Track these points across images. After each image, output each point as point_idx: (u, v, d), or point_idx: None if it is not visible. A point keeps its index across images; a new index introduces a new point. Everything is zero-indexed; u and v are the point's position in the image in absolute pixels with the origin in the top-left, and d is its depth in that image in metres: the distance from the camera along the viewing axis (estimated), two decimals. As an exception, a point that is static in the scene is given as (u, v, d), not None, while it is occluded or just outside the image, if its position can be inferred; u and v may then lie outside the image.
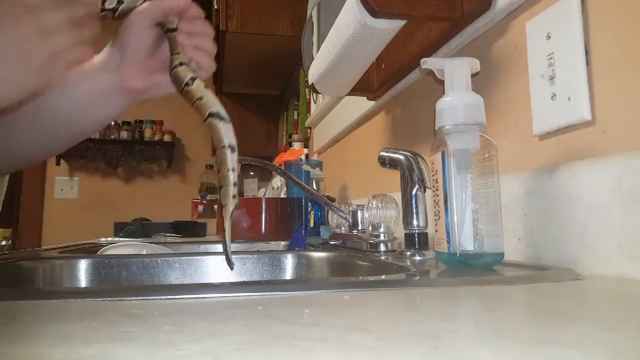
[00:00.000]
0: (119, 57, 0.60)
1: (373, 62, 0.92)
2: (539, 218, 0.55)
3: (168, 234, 1.90)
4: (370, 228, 0.80)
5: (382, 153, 0.73)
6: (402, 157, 0.71)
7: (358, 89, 1.04)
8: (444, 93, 0.54)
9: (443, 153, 0.52)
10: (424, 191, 0.69)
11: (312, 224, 1.25)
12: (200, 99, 0.52)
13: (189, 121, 3.28)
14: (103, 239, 1.51)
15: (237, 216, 0.42)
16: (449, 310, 0.34)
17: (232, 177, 0.49)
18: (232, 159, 0.50)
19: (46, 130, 0.63)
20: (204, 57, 0.59)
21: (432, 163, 0.55)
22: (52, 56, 0.45)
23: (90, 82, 0.61)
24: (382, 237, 0.78)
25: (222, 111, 0.51)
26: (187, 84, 0.53)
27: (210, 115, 0.50)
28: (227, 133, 0.50)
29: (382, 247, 0.77)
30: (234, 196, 0.50)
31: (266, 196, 1.76)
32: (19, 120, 0.60)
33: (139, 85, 0.61)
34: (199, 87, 0.53)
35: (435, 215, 0.54)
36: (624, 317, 0.31)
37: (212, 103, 0.51)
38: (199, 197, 2.97)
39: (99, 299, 0.37)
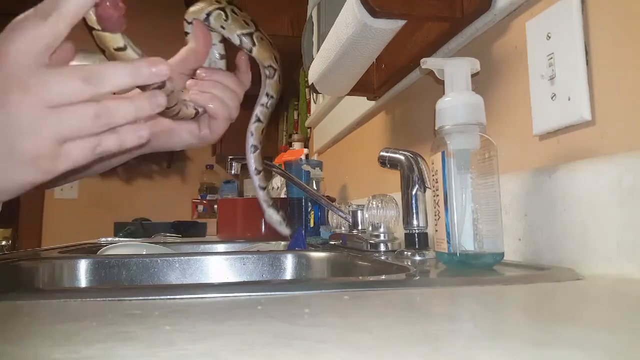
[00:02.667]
0: None
1: (373, 62, 0.92)
2: (539, 218, 0.55)
3: (168, 234, 1.90)
4: (370, 228, 0.80)
5: (382, 153, 0.73)
6: (402, 157, 0.70)
7: (358, 89, 1.04)
8: (444, 93, 0.54)
9: (443, 153, 0.52)
10: (424, 191, 0.69)
11: (312, 224, 1.25)
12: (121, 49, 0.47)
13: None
14: (103, 239, 1.51)
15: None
16: (449, 310, 0.34)
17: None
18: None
19: None
20: (218, 105, 0.57)
21: (432, 163, 0.55)
22: (57, 145, 0.39)
23: None
24: (382, 237, 0.78)
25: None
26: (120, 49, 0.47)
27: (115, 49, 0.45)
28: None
29: (382, 247, 0.77)
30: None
31: (266, 196, 1.75)
32: None
33: (150, 129, 0.58)
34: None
35: (435, 215, 0.54)
36: (624, 317, 0.31)
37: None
38: (199, 197, 2.97)
39: (99, 299, 0.37)
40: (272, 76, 0.61)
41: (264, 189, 0.65)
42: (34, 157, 0.38)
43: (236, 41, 0.58)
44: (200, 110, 0.56)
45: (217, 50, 0.60)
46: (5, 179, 0.40)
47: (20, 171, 0.39)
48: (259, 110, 0.62)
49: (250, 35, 0.58)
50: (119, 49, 0.42)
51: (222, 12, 0.57)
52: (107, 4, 0.38)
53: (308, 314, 0.32)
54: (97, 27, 0.40)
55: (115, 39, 0.42)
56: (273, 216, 0.68)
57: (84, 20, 0.39)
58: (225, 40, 0.59)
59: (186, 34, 0.58)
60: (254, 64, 0.61)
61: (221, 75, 0.58)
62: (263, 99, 0.62)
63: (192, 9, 0.58)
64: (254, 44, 0.58)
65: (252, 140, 0.62)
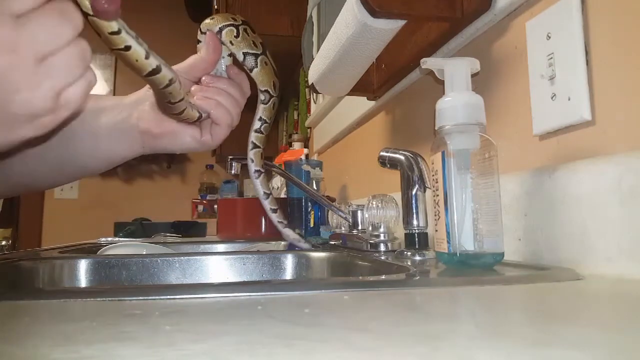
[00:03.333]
0: (154, 98, 0.58)
1: (373, 62, 0.92)
2: (539, 218, 0.55)
3: (168, 234, 1.90)
4: (370, 228, 0.80)
5: (382, 153, 0.73)
6: (402, 157, 0.70)
7: (358, 89, 1.04)
8: (444, 93, 0.54)
9: (443, 153, 0.52)
10: (424, 191, 0.69)
11: (312, 224, 1.25)
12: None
13: (189, 121, 3.27)
14: (103, 239, 1.51)
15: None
16: (449, 310, 0.34)
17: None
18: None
19: (52, 163, 0.61)
20: (222, 112, 0.58)
21: (432, 163, 0.55)
22: (47, 98, 0.37)
23: (112, 116, 0.59)
24: (382, 237, 0.78)
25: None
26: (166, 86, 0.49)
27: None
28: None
29: (382, 247, 0.77)
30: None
31: (266, 196, 1.75)
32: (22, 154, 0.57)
33: (154, 129, 0.59)
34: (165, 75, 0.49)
35: (435, 215, 0.54)
36: (624, 317, 0.31)
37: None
38: (199, 197, 2.97)
39: (99, 299, 0.37)
40: (266, 102, 0.62)
41: (275, 211, 0.68)
42: (33, 115, 0.36)
43: (240, 58, 0.61)
44: (203, 115, 0.57)
45: (225, 63, 0.61)
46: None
47: (18, 128, 0.37)
48: (254, 137, 0.64)
49: (255, 56, 0.61)
50: (113, 33, 0.42)
51: (235, 29, 0.59)
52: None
53: (308, 314, 0.32)
54: (91, 13, 0.40)
55: (109, 25, 0.42)
56: (290, 235, 0.73)
57: (76, 3, 0.38)
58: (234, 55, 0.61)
59: (198, 42, 0.60)
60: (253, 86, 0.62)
61: (226, 83, 0.59)
62: (256, 124, 0.64)
63: (208, 20, 0.60)
64: (255, 66, 0.61)
65: (253, 166, 0.64)
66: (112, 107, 0.60)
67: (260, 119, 0.63)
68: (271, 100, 0.63)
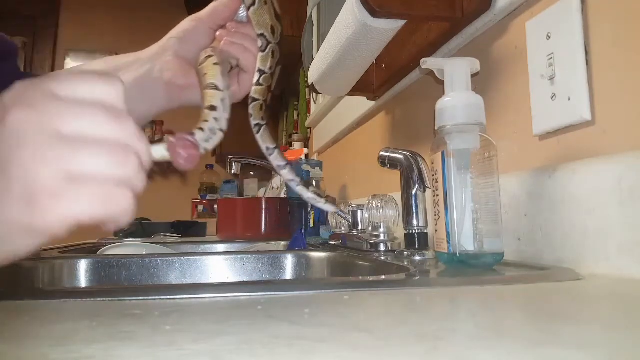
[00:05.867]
0: (177, 46, 0.56)
1: (373, 62, 0.92)
2: (539, 218, 0.55)
3: (168, 234, 1.90)
4: (370, 228, 0.80)
5: (382, 153, 0.73)
6: (402, 157, 0.71)
7: (358, 89, 1.04)
8: (444, 93, 0.54)
9: (443, 153, 0.52)
10: (424, 191, 0.69)
11: (312, 224, 1.25)
12: (205, 74, 0.49)
13: (189, 121, 3.25)
14: (103, 239, 1.51)
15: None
16: (449, 310, 0.34)
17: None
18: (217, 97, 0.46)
19: None
20: (249, 58, 0.56)
21: (432, 163, 0.55)
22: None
23: (133, 71, 0.55)
24: (382, 237, 0.78)
25: (219, 83, 0.48)
26: (201, 62, 0.50)
27: (207, 86, 0.47)
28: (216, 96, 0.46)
29: (382, 247, 0.77)
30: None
31: (266, 196, 1.76)
32: None
33: (179, 80, 0.55)
34: (207, 65, 0.50)
35: (435, 215, 0.54)
36: (624, 317, 0.31)
37: (212, 76, 0.48)
38: (199, 197, 2.97)
39: (99, 299, 0.37)
40: (263, 49, 0.56)
41: (285, 167, 0.58)
42: (31, 188, 0.27)
43: None
44: (233, 63, 0.55)
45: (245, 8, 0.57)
46: None
47: (7, 205, 0.27)
48: (252, 91, 0.57)
49: None
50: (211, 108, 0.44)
51: None
52: (180, 160, 0.35)
53: (308, 314, 0.32)
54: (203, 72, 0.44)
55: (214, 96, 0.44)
56: (304, 194, 0.59)
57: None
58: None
59: None
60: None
61: (250, 28, 0.56)
62: (255, 77, 0.57)
63: None
64: (253, 3, 0.55)
65: (252, 120, 0.57)
66: (131, 64, 0.56)
67: (258, 70, 0.57)
68: (269, 47, 0.56)
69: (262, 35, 0.56)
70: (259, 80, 0.57)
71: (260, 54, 0.57)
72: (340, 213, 0.69)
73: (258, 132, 0.58)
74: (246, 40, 0.56)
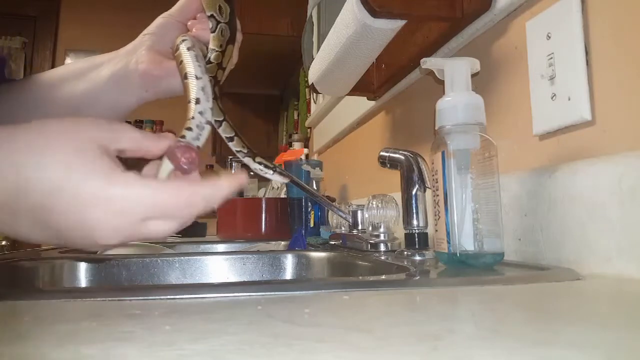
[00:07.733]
0: (150, 42, 0.59)
1: (373, 62, 0.92)
2: (539, 218, 0.55)
3: (168, 234, 1.89)
4: (370, 228, 0.80)
5: (382, 153, 0.73)
6: (402, 157, 0.71)
7: (358, 89, 1.04)
8: (444, 93, 0.54)
9: (443, 153, 0.52)
10: (424, 191, 0.69)
11: (312, 224, 1.25)
12: (181, 62, 0.50)
13: (189, 120, 3.27)
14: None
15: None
16: (449, 310, 0.34)
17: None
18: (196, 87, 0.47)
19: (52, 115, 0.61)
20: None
21: (432, 163, 0.55)
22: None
23: (111, 66, 0.60)
24: (382, 237, 0.78)
25: (195, 70, 0.48)
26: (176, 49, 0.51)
27: (185, 76, 0.48)
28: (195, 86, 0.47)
29: (382, 247, 0.77)
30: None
31: (266, 196, 1.76)
32: (23, 104, 0.58)
33: (154, 71, 0.59)
34: (182, 51, 0.51)
35: (435, 215, 0.54)
36: (624, 317, 0.31)
37: (187, 63, 0.49)
38: (199, 197, 2.96)
39: (99, 299, 0.37)
40: (213, 29, 0.57)
41: (232, 139, 0.56)
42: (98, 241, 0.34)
43: None
44: (204, 50, 0.56)
45: None
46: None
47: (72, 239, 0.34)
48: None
49: None
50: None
51: None
52: (183, 165, 0.38)
53: (308, 314, 0.32)
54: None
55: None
56: (250, 165, 0.58)
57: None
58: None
59: None
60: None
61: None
62: (207, 55, 0.57)
63: None
64: None
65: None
66: (109, 60, 0.61)
67: (210, 49, 0.57)
68: (218, 26, 0.57)
69: (211, 16, 0.58)
70: (209, 58, 0.58)
71: (212, 35, 0.58)
72: (285, 181, 0.66)
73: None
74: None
